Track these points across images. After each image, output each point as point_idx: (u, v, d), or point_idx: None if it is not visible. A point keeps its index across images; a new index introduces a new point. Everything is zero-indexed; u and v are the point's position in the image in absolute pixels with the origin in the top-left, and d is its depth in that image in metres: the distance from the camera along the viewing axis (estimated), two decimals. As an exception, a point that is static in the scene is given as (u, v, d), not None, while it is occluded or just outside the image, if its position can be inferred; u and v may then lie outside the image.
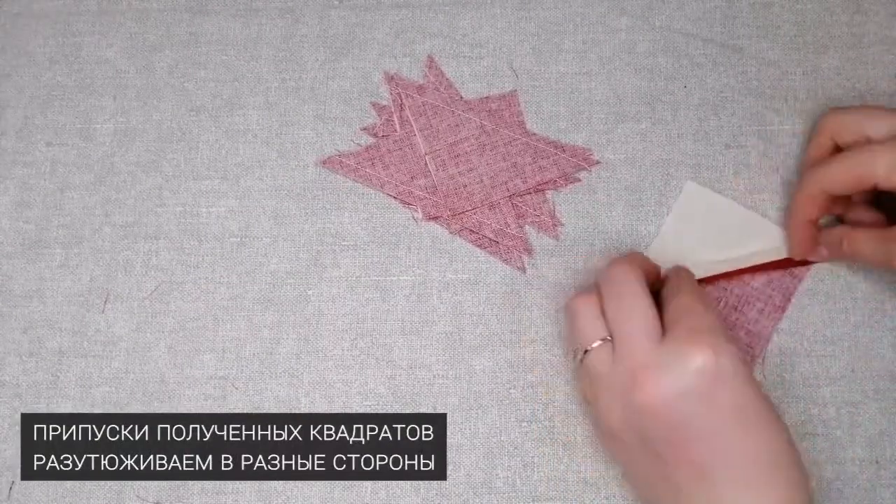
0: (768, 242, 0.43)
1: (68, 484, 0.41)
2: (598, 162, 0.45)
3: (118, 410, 0.42)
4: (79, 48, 0.48)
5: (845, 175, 0.38)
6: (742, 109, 0.46)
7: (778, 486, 0.33)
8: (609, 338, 0.36)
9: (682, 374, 0.33)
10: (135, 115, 0.47)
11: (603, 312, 0.37)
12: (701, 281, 0.42)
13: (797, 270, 0.43)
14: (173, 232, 0.45)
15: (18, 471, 0.41)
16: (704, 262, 0.43)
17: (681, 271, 0.39)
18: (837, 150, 0.41)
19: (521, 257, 0.44)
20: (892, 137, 0.38)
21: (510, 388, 0.42)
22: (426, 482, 0.41)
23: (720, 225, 0.43)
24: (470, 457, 0.41)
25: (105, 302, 0.44)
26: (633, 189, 0.45)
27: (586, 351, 0.36)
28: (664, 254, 0.43)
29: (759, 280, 0.43)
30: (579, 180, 0.45)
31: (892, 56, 0.46)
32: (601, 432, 0.38)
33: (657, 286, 0.40)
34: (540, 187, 0.44)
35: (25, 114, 0.47)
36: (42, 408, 0.42)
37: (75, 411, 0.42)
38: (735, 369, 0.33)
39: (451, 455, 0.41)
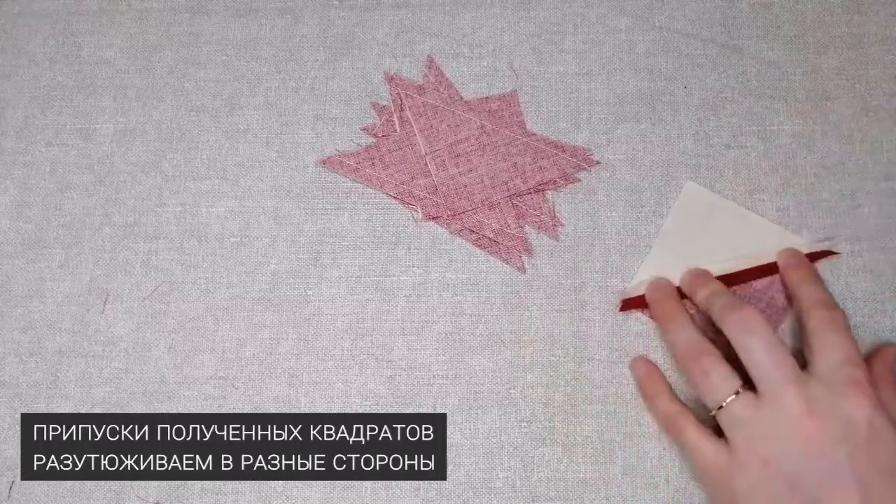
0: (769, 243, 0.43)
1: (68, 484, 0.41)
2: (598, 162, 0.45)
3: (118, 410, 0.42)
4: (79, 48, 0.48)
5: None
6: (742, 109, 0.46)
7: None
8: (742, 388, 0.37)
9: (841, 422, 0.34)
10: (135, 115, 0.47)
11: (728, 358, 0.37)
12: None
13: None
14: (173, 232, 0.45)
15: (18, 471, 0.41)
16: (704, 263, 0.43)
17: (830, 305, 0.38)
18: None
19: (520, 257, 0.44)
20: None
21: (510, 388, 0.42)
22: (426, 482, 0.41)
23: (720, 225, 0.43)
24: (470, 457, 0.41)
25: (105, 302, 0.44)
26: (633, 189, 0.45)
27: (720, 407, 0.37)
28: (665, 254, 0.43)
29: (761, 282, 0.43)
30: (579, 180, 0.45)
31: (892, 56, 0.46)
32: (731, 484, 0.37)
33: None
34: (540, 187, 0.44)
35: (25, 114, 0.47)
36: (42, 408, 0.42)
37: (75, 411, 0.42)
38: (887, 426, 0.34)
39: (451, 455, 0.41)
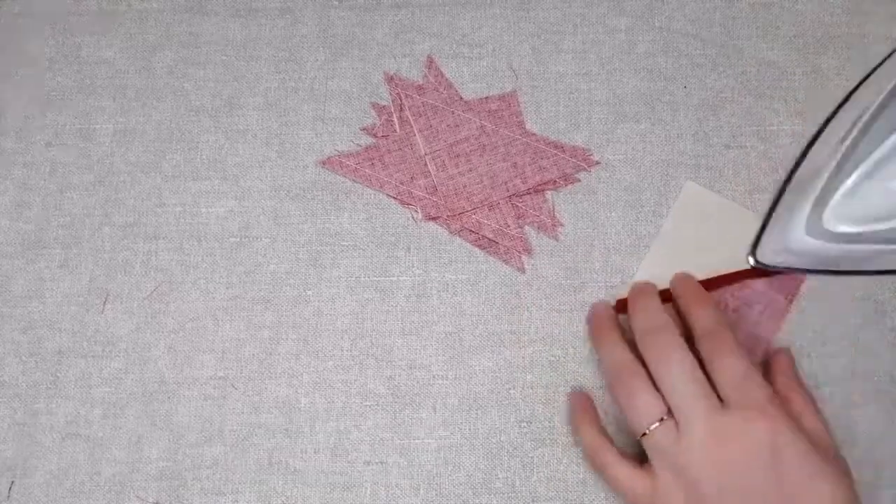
0: None
1: (68, 484, 0.41)
2: (597, 162, 0.45)
3: (118, 410, 0.42)
4: (79, 48, 0.48)
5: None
6: (742, 109, 0.46)
7: None
8: (668, 414, 0.37)
9: (749, 447, 0.35)
10: (135, 116, 0.47)
11: (650, 378, 0.38)
12: (702, 283, 0.42)
13: (789, 280, 0.43)
14: (173, 232, 0.45)
15: (18, 471, 0.41)
16: (704, 262, 0.43)
17: (716, 330, 0.38)
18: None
19: (520, 257, 0.44)
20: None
21: (510, 388, 0.42)
22: (426, 482, 0.41)
23: (720, 225, 0.43)
24: (470, 457, 0.41)
25: (105, 302, 0.44)
26: (633, 189, 0.45)
27: (644, 434, 0.37)
28: (664, 254, 0.43)
29: (761, 282, 0.43)
30: (579, 180, 0.45)
31: (892, 56, 0.46)
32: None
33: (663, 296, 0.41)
34: (540, 187, 0.44)
35: (25, 114, 0.47)
36: (42, 408, 0.42)
37: (75, 411, 0.42)
38: (792, 444, 0.35)
39: (451, 455, 0.41)
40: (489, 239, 0.44)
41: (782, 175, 0.44)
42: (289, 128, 0.46)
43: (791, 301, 0.42)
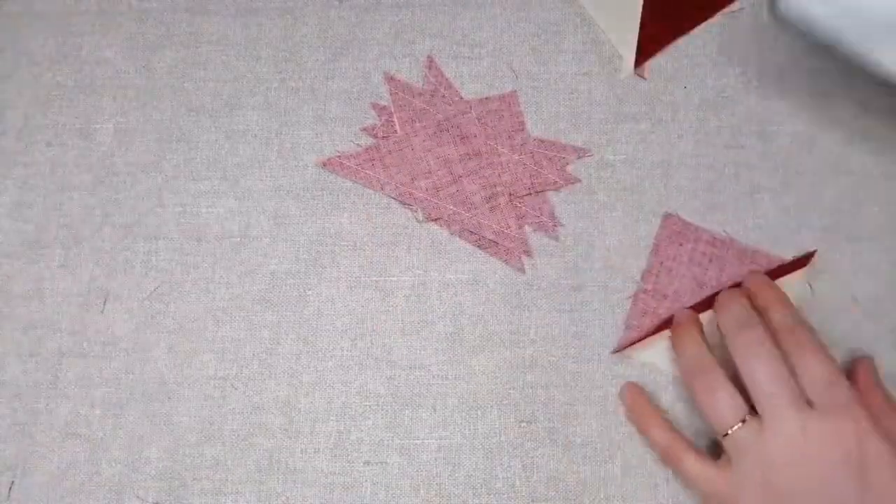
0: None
1: (68, 484, 0.41)
2: (591, 154, 0.45)
3: (118, 410, 0.42)
4: (79, 48, 0.48)
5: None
6: (742, 109, 0.46)
7: None
8: (750, 412, 0.37)
9: (836, 446, 0.35)
10: (135, 116, 0.47)
11: (734, 378, 0.38)
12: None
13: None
14: (173, 232, 0.45)
15: (18, 471, 0.41)
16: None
17: (797, 328, 0.38)
18: None
19: (520, 258, 0.44)
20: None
21: (510, 388, 0.42)
22: (426, 482, 0.41)
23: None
24: (470, 457, 0.41)
25: (105, 302, 0.44)
26: (633, 189, 0.45)
27: (726, 434, 0.37)
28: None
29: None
30: (579, 180, 0.45)
31: (892, 56, 0.46)
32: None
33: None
34: (540, 188, 0.44)
35: (25, 114, 0.47)
36: (42, 408, 0.42)
37: (75, 411, 0.42)
38: (877, 446, 0.35)
39: (450, 455, 0.41)
40: (489, 239, 0.44)
41: (783, 174, 0.44)
42: (289, 128, 0.46)
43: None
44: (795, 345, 0.37)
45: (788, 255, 0.43)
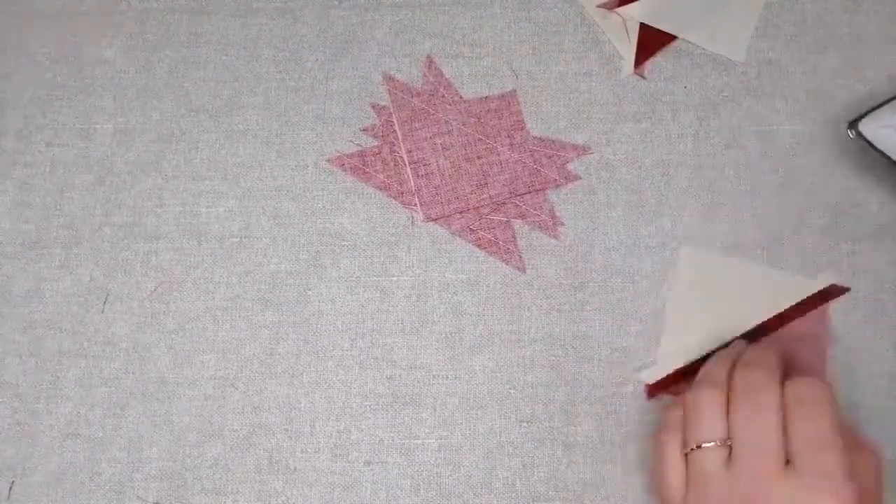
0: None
1: (68, 484, 0.41)
2: (591, 152, 0.45)
3: (118, 410, 0.42)
4: (79, 48, 0.48)
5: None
6: (742, 109, 0.46)
7: None
8: (728, 442, 0.34)
9: None
10: (135, 116, 0.47)
11: (728, 411, 0.35)
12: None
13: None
14: (173, 232, 0.45)
15: (18, 471, 0.41)
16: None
17: (815, 387, 0.35)
18: None
19: (521, 257, 0.44)
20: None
21: (510, 388, 0.42)
22: (426, 482, 0.41)
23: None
24: (469, 457, 0.41)
25: (105, 302, 0.44)
26: (633, 189, 0.45)
27: (698, 446, 0.35)
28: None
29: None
30: (580, 178, 0.45)
31: (892, 56, 0.46)
32: None
33: None
34: (540, 187, 0.44)
35: (25, 114, 0.47)
36: (42, 408, 0.42)
37: (75, 411, 0.42)
38: None
39: (450, 455, 0.41)
40: (489, 239, 0.44)
41: (783, 174, 0.44)
42: (289, 128, 0.46)
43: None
44: (793, 396, 0.35)
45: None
